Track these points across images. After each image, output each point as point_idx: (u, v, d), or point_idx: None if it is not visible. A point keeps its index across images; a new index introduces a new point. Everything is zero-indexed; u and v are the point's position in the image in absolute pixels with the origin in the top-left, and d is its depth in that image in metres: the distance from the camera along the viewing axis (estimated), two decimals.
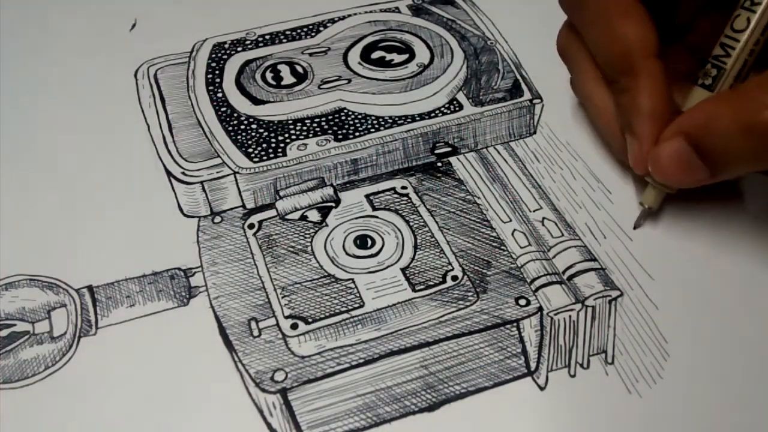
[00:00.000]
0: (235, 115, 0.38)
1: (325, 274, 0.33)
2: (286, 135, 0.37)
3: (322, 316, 0.31)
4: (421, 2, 0.44)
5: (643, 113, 0.32)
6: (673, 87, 0.32)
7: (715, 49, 0.32)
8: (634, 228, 0.34)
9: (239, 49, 0.41)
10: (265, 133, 0.37)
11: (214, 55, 0.41)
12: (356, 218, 0.35)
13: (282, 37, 0.42)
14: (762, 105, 0.28)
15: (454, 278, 0.32)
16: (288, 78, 0.39)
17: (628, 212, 0.35)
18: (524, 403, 0.29)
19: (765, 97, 0.28)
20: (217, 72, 0.40)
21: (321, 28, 0.42)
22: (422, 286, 0.32)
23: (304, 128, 0.37)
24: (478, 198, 0.35)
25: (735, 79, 0.32)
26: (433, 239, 0.34)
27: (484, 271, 0.33)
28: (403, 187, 0.36)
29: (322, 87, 0.39)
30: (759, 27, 0.31)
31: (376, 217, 0.35)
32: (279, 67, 0.40)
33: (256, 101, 0.38)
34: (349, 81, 0.39)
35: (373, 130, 0.37)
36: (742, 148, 0.29)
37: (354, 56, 0.40)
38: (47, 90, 0.41)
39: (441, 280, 0.32)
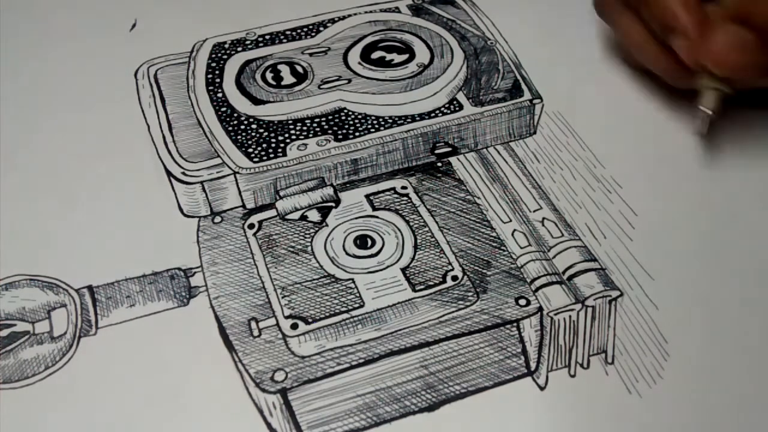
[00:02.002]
0: (235, 115, 0.38)
1: (325, 274, 0.33)
2: (286, 135, 0.37)
3: (322, 316, 0.31)
4: (421, 2, 0.44)
5: (673, 7, 0.32)
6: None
7: None
8: (700, 135, 0.34)
9: (239, 49, 0.41)
10: (265, 133, 0.37)
11: (214, 55, 0.41)
12: (356, 218, 0.35)
13: (282, 37, 0.42)
14: None
15: (454, 278, 0.32)
16: (288, 78, 0.39)
17: (627, 212, 0.35)
18: (524, 403, 0.29)
19: None
20: (217, 72, 0.40)
21: (321, 28, 0.42)
22: (422, 286, 0.32)
23: (304, 128, 0.37)
24: (478, 198, 0.35)
25: None
26: (433, 239, 0.34)
27: (484, 271, 0.33)
28: (403, 187, 0.36)
29: (322, 87, 0.39)
30: None
31: (376, 217, 0.35)
32: (279, 67, 0.40)
33: (256, 101, 0.38)
34: (349, 81, 0.39)
35: (373, 130, 0.37)
36: None
37: (354, 56, 0.40)
38: (47, 90, 0.41)
39: (441, 280, 0.32)
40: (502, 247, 0.34)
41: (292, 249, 0.34)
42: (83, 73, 0.41)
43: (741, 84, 0.33)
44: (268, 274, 0.33)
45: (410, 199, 0.35)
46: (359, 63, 0.40)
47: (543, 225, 0.34)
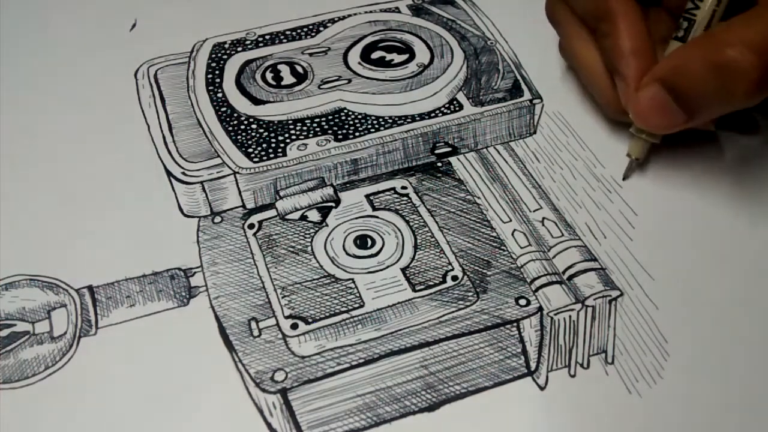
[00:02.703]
0: (235, 115, 0.38)
1: (325, 274, 0.33)
2: (286, 135, 0.37)
3: (322, 316, 0.31)
4: (421, 2, 0.44)
5: (624, 52, 0.34)
6: (658, 50, 0.35)
7: (687, 4, 0.34)
8: (623, 179, 0.36)
9: (239, 49, 0.41)
10: (265, 133, 0.37)
11: (214, 55, 0.41)
12: (356, 218, 0.35)
13: (282, 37, 0.42)
14: (725, 43, 0.30)
15: (454, 278, 0.32)
16: (288, 78, 0.39)
17: (627, 212, 0.35)
18: (524, 403, 0.29)
19: (728, 36, 0.31)
20: (217, 72, 0.40)
21: (321, 28, 0.42)
22: (422, 286, 0.32)
23: (304, 128, 0.37)
24: (478, 198, 0.35)
25: (705, 29, 0.34)
26: (433, 239, 0.34)
27: (484, 271, 0.33)
28: (403, 187, 0.36)
29: (322, 87, 0.39)
30: None
31: (376, 217, 0.35)
32: (279, 67, 0.40)
33: (256, 101, 0.38)
34: (349, 81, 0.39)
35: (373, 130, 0.37)
36: (712, 87, 0.31)
37: (354, 56, 0.40)
38: (47, 90, 0.41)
39: (441, 280, 0.32)
40: (502, 247, 0.34)
41: (292, 249, 0.34)
42: (83, 73, 0.41)
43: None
44: (268, 274, 0.33)
45: (410, 199, 0.35)
46: (359, 63, 0.40)
47: (543, 225, 0.34)
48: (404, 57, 0.40)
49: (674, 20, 0.35)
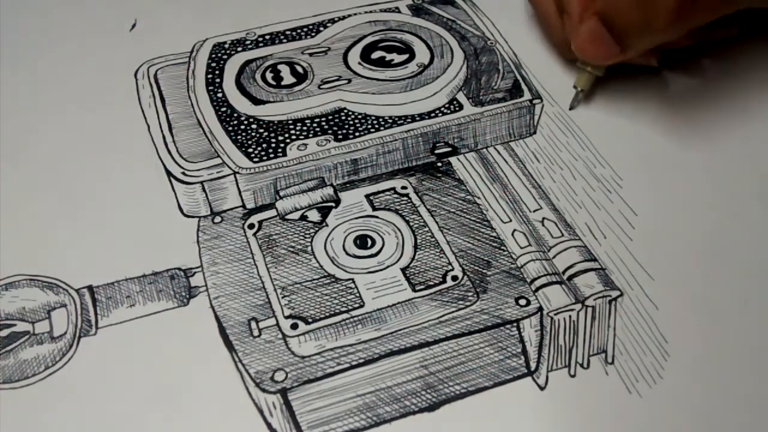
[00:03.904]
0: (235, 115, 0.38)
1: (325, 274, 0.33)
2: (286, 135, 0.37)
3: (322, 316, 0.31)
4: (421, 2, 0.44)
5: None
6: None
7: None
8: (570, 109, 0.39)
9: (239, 49, 0.41)
10: (265, 133, 0.37)
11: (214, 55, 0.41)
12: (356, 218, 0.35)
13: (282, 37, 0.42)
14: None
15: (454, 278, 0.32)
16: (288, 78, 0.39)
17: (627, 212, 0.35)
18: (524, 403, 0.29)
19: None
20: (217, 72, 0.40)
21: (321, 28, 0.42)
22: (422, 286, 0.32)
23: (304, 128, 0.37)
24: (478, 198, 0.35)
25: None
26: (433, 239, 0.34)
27: (484, 271, 0.33)
28: (403, 187, 0.36)
29: (322, 87, 0.39)
30: None
31: (376, 217, 0.35)
32: (279, 67, 0.40)
33: (256, 101, 0.38)
34: (349, 81, 0.39)
35: (373, 130, 0.37)
36: (637, 18, 0.34)
37: (354, 56, 0.40)
38: (47, 90, 0.41)
39: (441, 280, 0.32)
40: (502, 247, 0.34)
41: (292, 249, 0.34)
42: (83, 73, 0.41)
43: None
44: (268, 274, 0.33)
45: (410, 199, 0.35)
46: (359, 63, 0.40)
47: (543, 225, 0.34)
48: (404, 57, 0.40)
49: None
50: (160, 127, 0.38)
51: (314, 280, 0.32)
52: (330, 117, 0.37)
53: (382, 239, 0.34)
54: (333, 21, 0.43)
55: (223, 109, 0.38)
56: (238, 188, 0.35)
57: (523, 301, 0.31)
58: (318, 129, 0.37)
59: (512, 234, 0.34)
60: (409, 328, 0.31)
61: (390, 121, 0.37)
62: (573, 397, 0.29)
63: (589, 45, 0.36)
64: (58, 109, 0.40)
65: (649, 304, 0.32)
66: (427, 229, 0.34)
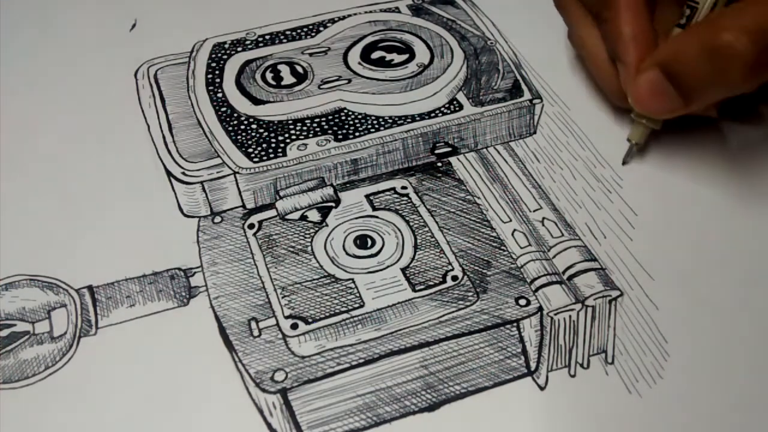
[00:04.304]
0: (235, 115, 0.38)
1: (325, 274, 0.33)
2: (286, 135, 0.37)
3: (322, 316, 0.31)
4: (421, 2, 0.44)
5: (625, 38, 0.35)
6: (664, 37, 0.35)
7: None
8: (623, 164, 0.37)
9: (239, 49, 0.41)
10: (265, 133, 0.37)
11: (214, 55, 0.41)
12: (356, 218, 0.35)
13: (282, 37, 0.42)
14: (721, 28, 0.31)
15: (454, 278, 0.32)
16: (288, 78, 0.39)
17: (627, 212, 0.35)
18: (524, 403, 0.29)
19: (723, 21, 0.31)
20: (217, 72, 0.40)
21: (321, 28, 0.42)
22: (422, 286, 0.32)
23: (304, 128, 0.37)
24: (478, 198, 0.35)
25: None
26: (433, 239, 0.34)
27: (484, 271, 0.33)
28: (403, 187, 0.36)
29: (322, 87, 0.39)
30: None
31: (376, 217, 0.35)
32: (279, 67, 0.40)
33: (256, 101, 0.38)
34: (349, 81, 0.39)
35: (373, 130, 0.37)
36: (708, 71, 0.32)
37: (354, 56, 0.40)
38: (47, 90, 0.41)
39: (441, 280, 0.32)
40: (502, 247, 0.34)
41: (292, 249, 0.34)
42: (83, 73, 0.41)
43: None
44: (268, 274, 0.33)
45: (410, 199, 0.35)
46: (359, 63, 0.40)
47: (543, 225, 0.34)
48: (404, 57, 0.40)
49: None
50: (160, 127, 0.38)
51: (314, 280, 0.32)
52: (330, 117, 0.37)
53: (382, 239, 0.34)
54: (333, 21, 0.43)
55: (223, 109, 0.38)
56: (238, 188, 0.35)
57: (523, 301, 0.31)
58: (318, 129, 0.37)
59: (512, 234, 0.34)
60: (409, 328, 0.31)
61: (390, 121, 0.37)
62: (573, 397, 0.29)
63: (650, 98, 0.34)
64: (58, 109, 0.40)
65: (649, 304, 0.32)
66: (427, 229, 0.34)
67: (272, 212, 0.35)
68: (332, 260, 0.33)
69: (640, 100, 0.34)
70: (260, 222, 0.35)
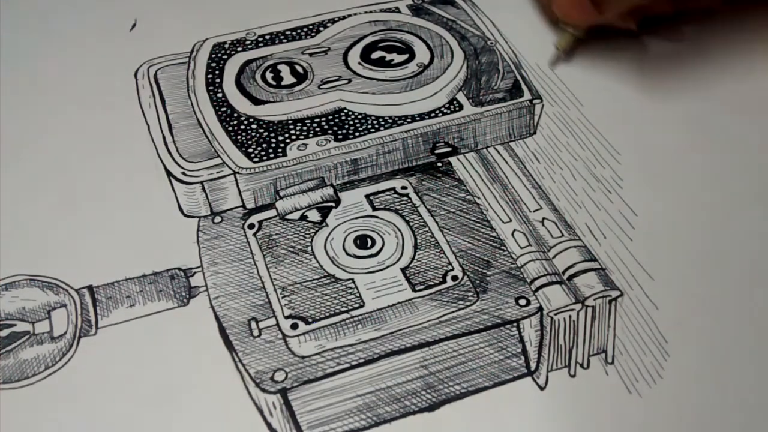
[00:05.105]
0: (235, 115, 0.38)
1: (325, 274, 0.33)
2: (286, 135, 0.37)
3: (322, 316, 0.31)
4: (421, 2, 0.44)
5: None
6: None
7: None
8: (550, 66, 0.41)
9: (239, 49, 0.41)
10: (265, 133, 0.37)
11: (214, 55, 0.41)
12: (356, 218, 0.35)
13: (282, 37, 0.42)
14: None
15: (454, 278, 0.32)
16: (288, 78, 0.39)
17: (627, 212, 0.35)
18: (524, 403, 0.29)
19: None
20: (217, 72, 0.40)
21: (321, 28, 0.42)
22: (422, 286, 0.32)
23: (304, 128, 0.37)
24: (478, 198, 0.35)
25: None
26: (433, 239, 0.34)
27: (484, 271, 0.33)
28: (403, 187, 0.36)
29: (322, 87, 0.39)
30: None
31: (376, 217, 0.35)
32: (279, 67, 0.40)
33: (256, 101, 0.38)
34: (349, 81, 0.39)
35: (373, 130, 0.37)
36: None
37: (354, 56, 0.40)
38: (47, 90, 0.41)
39: (441, 280, 0.32)
40: (502, 247, 0.34)
41: (292, 249, 0.34)
42: (83, 73, 0.41)
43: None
44: (268, 274, 0.33)
45: (410, 199, 0.35)
46: (359, 63, 0.40)
47: (543, 225, 0.34)
48: (404, 57, 0.40)
49: None
50: (160, 127, 0.38)
51: (314, 280, 0.32)
52: (330, 117, 0.37)
53: (382, 239, 0.34)
54: (333, 21, 0.43)
55: (223, 109, 0.38)
56: (238, 188, 0.35)
57: (523, 301, 0.31)
58: (318, 129, 0.37)
59: (512, 234, 0.34)
60: (409, 328, 0.31)
61: (390, 121, 0.37)
62: (573, 397, 0.29)
63: (569, 7, 0.39)
64: (58, 109, 0.40)
65: (649, 304, 0.32)
66: (427, 229, 0.34)
67: (272, 212, 0.35)
68: (332, 260, 0.33)
69: (561, 9, 0.40)
70: (260, 222, 0.35)
